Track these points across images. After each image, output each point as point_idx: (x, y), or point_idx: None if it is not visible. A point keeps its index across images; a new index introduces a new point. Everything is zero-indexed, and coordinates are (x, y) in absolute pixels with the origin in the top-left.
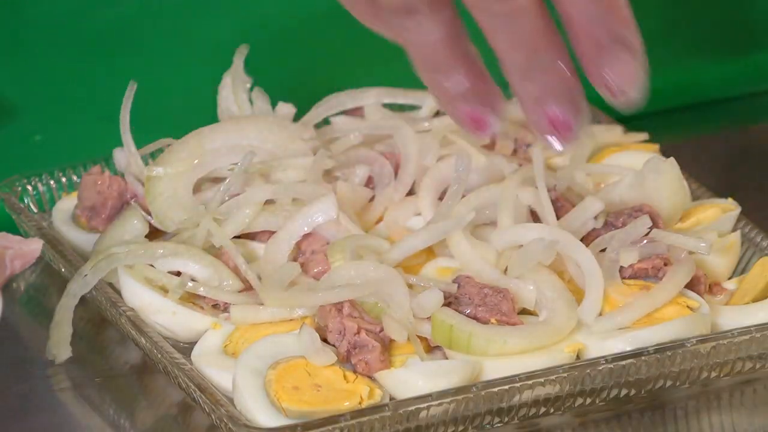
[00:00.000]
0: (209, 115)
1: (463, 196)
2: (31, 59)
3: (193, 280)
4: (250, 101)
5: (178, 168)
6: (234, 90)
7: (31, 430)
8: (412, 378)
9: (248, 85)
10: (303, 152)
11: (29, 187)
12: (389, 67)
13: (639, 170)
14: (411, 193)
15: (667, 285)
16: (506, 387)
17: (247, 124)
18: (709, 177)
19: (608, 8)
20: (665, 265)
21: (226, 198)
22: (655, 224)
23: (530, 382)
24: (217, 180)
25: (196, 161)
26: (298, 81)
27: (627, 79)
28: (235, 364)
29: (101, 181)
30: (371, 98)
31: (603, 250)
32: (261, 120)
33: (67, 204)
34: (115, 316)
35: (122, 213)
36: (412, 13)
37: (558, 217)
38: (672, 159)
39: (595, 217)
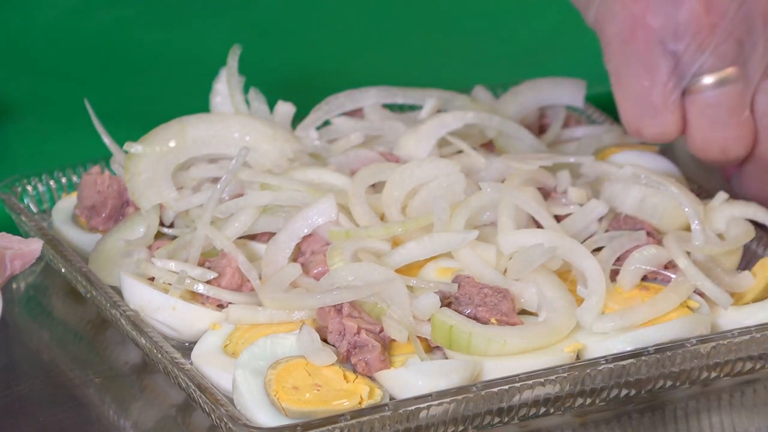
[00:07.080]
0: None
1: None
2: (31, 59)
3: (191, 278)
4: (247, 102)
5: (155, 148)
6: (230, 91)
7: (31, 431)
8: (412, 378)
9: (242, 85)
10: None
11: (29, 187)
12: (389, 66)
13: (642, 186)
14: None
15: (670, 295)
16: (506, 387)
17: (233, 121)
18: (710, 177)
19: None
20: (665, 267)
21: (225, 197)
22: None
23: (530, 382)
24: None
25: (176, 145)
26: (297, 81)
27: None
28: (235, 364)
29: (101, 181)
30: (371, 98)
31: (600, 249)
32: (248, 118)
33: (67, 204)
34: (115, 317)
35: (129, 216)
36: None
37: (558, 220)
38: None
39: (599, 220)
